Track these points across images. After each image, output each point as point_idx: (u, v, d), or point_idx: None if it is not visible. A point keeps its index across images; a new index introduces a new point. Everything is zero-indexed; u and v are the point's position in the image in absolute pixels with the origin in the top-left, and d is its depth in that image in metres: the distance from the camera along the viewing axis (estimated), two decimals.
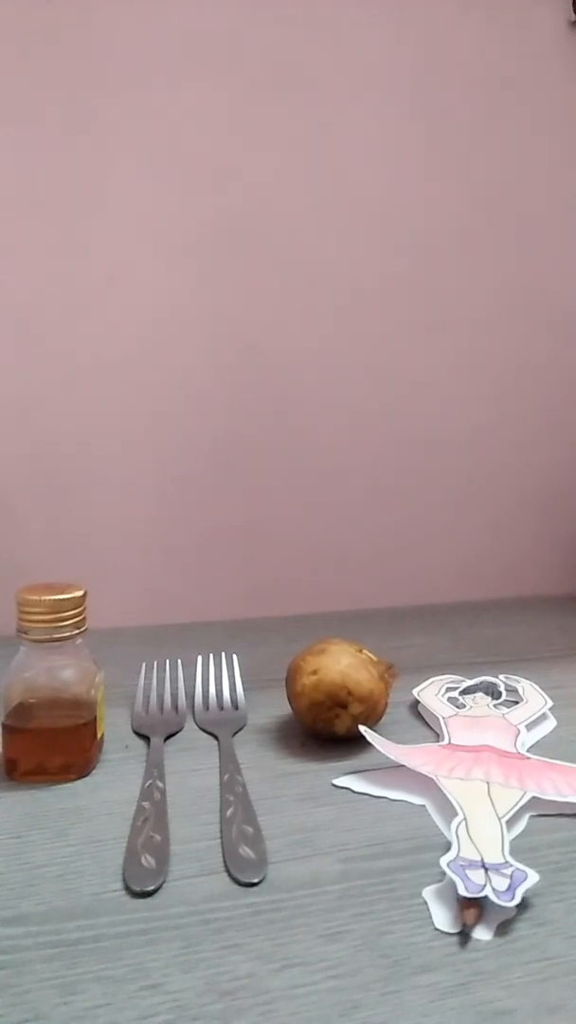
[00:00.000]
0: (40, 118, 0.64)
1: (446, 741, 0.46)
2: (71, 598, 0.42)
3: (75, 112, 0.65)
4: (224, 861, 0.35)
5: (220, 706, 0.51)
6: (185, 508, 0.71)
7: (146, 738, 0.46)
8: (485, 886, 0.32)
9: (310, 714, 0.45)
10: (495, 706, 0.51)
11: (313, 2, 0.69)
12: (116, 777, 0.42)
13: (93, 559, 0.69)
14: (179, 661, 0.57)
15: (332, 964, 0.29)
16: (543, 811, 0.39)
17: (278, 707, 0.51)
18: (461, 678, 0.55)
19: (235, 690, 0.53)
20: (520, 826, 0.37)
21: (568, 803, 0.39)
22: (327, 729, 0.45)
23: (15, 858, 0.35)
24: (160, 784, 0.41)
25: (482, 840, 0.35)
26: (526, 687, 0.53)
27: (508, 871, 0.33)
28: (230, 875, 0.34)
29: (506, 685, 0.54)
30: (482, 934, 0.30)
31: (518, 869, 0.33)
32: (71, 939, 0.30)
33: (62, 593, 0.42)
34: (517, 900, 0.31)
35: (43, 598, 0.41)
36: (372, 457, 0.75)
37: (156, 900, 0.32)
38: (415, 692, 0.52)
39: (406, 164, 0.73)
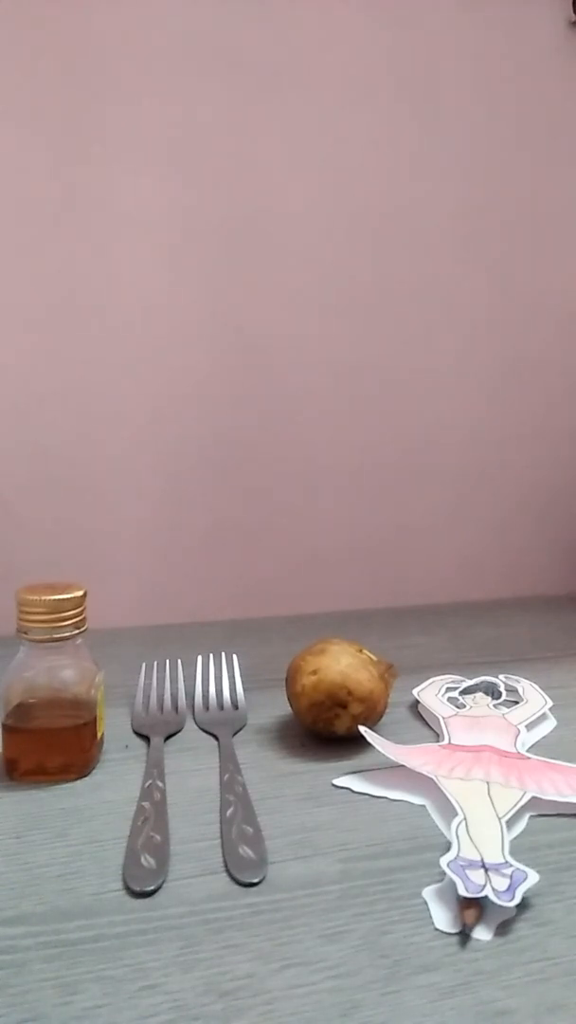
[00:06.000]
0: (41, 120, 0.64)
1: (446, 741, 0.46)
2: (71, 598, 0.42)
3: (76, 114, 0.65)
4: (224, 861, 0.35)
5: (220, 706, 0.51)
6: (185, 508, 0.71)
7: (146, 738, 0.46)
8: (485, 886, 0.32)
9: (310, 714, 0.45)
10: (495, 706, 0.51)
11: (313, 2, 0.69)
12: (116, 777, 0.42)
13: (93, 559, 0.69)
14: (179, 661, 0.57)
15: (332, 964, 0.29)
16: (543, 811, 0.39)
17: (278, 707, 0.51)
18: (461, 678, 0.55)
19: (235, 690, 0.53)
20: (520, 826, 0.37)
21: (568, 803, 0.39)
22: (327, 729, 0.45)
23: (15, 858, 0.35)
24: (160, 784, 0.41)
25: (482, 840, 0.35)
26: (526, 687, 0.53)
27: (508, 871, 0.33)
28: (230, 875, 0.34)
29: (506, 685, 0.54)
30: (482, 934, 0.30)
31: (518, 869, 0.33)
32: (71, 939, 0.30)
33: (62, 593, 0.42)
34: (517, 900, 0.31)
35: (43, 598, 0.41)
36: (372, 457, 0.75)
37: (156, 900, 0.32)
38: (415, 692, 0.52)
39: (406, 164, 0.73)
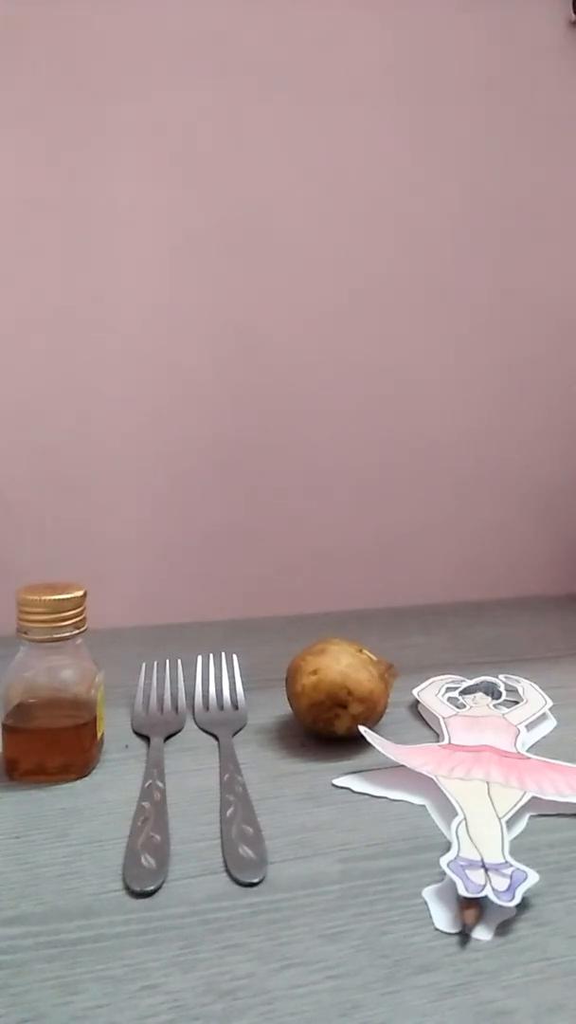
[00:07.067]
0: (42, 120, 0.64)
1: (446, 741, 0.46)
2: (71, 598, 0.42)
3: (76, 114, 0.65)
4: (224, 861, 0.35)
5: (220, 706, 0.51)
6: (185, 508, 0.71)
7: (146, 738, 0.46)
8: (485, 886, 0.32)
9: (310, 714, 0.45)
10: (495, 706, 0.51)
11: (312, 4, 0.69)
12: (116, 777, 0.42)
13: (93, 559, 0.69)
14: (179, 661, 0.57)
15: (332, 964, 0.29)
16: (543, 811, 0.39)
17: (278, 707, 0.51)
18: (461, 678, 0.55)
19: (235, 690, 0.53)
20: (520, 826, 0.37)
21: (568, 803, 0.39)
22: (327, 729, 0.45)
23: (15, 858, 0.35)
24: (160, 784, 0.41)
25: (482, 840, 0.35)
26: (526, 687, 0.53)
27: (508, 871, 0.33)
28: (230, 875, 0.34)
29: (506, 685, 0.54)
30: (482, 934, 0.30)
31: (518, 869, 0.33)
32: (71, 939, 0.30)
33: (62, 593, 0.42)
34: (517, 900, 0.31)
35: (43, 598, 0.41)
36: (372, 456, 0.75)
37: (156, 900, 0.32)
38: (415, 692, 0.52)
39: (406, 164, 0.73)
